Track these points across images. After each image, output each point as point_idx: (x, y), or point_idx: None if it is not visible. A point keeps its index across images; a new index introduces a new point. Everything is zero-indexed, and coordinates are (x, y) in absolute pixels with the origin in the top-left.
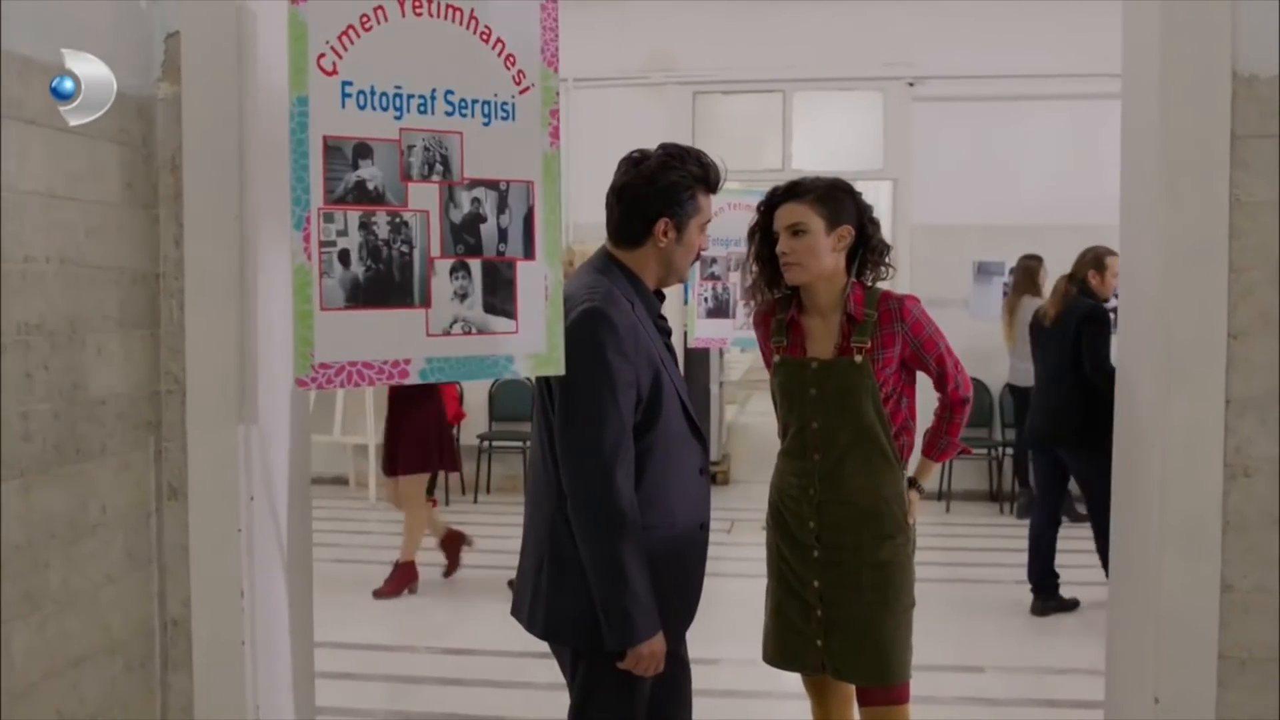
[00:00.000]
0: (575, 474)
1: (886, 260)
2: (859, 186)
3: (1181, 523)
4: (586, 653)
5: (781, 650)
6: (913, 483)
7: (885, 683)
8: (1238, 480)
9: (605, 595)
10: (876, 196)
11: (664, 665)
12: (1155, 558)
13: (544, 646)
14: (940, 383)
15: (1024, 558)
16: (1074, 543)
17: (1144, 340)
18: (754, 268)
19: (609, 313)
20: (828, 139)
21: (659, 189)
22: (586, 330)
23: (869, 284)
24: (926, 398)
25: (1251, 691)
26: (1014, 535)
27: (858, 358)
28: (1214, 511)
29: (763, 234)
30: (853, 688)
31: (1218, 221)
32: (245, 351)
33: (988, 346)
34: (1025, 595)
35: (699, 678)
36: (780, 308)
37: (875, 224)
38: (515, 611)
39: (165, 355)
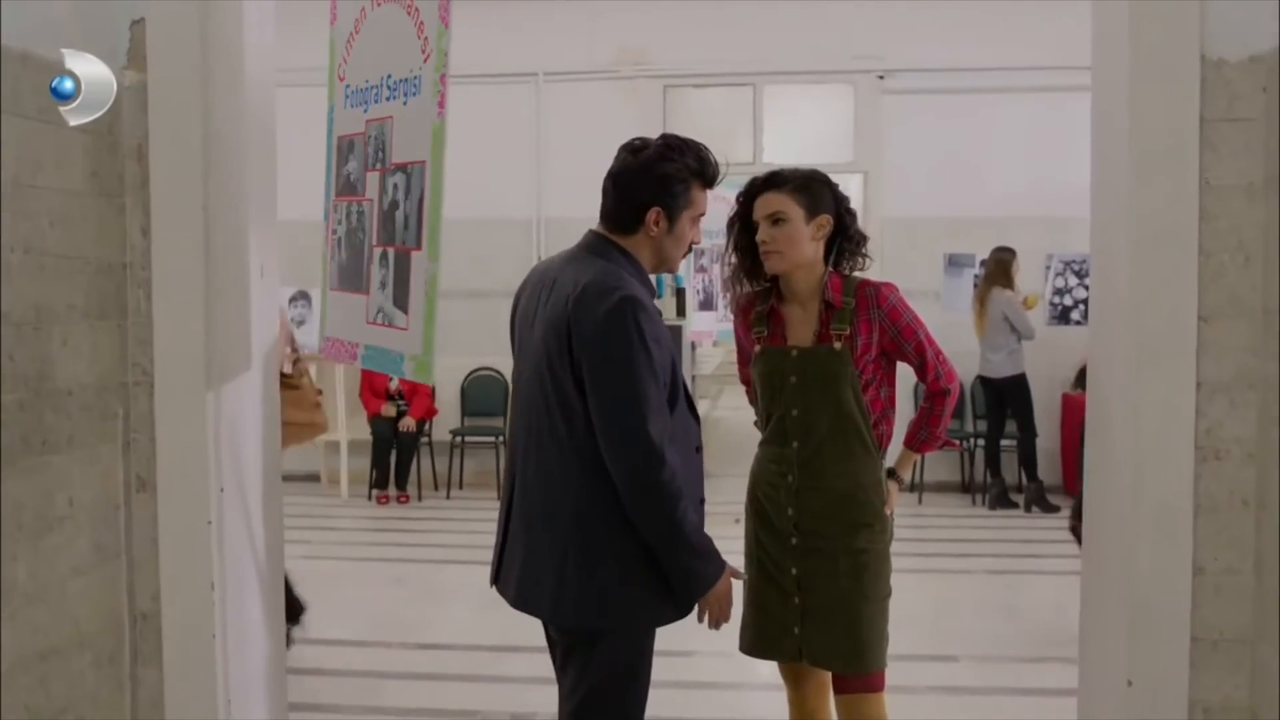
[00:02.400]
0: (629, 460)
1: (864, 251)
2: None
3: (1153, 506)
4: (609, 637)
5: (759, 639)
6: (892, 473)
7: (861, 670)
8: (1209, 463)
9: (674, 561)
10: (847, 189)
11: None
12: (1127, 541)
13: (519, 640)
14: (920, 372)
15: (994, 548)
16: (1051, 532)
17: (1115, 324)
18: (733, 258)
19: (643, 299)
20: (798, 132)
21: (652, 178)
22: (628, 317)
23: (846, 273)
24: (907, 389)
25: (1223, 672)
26: (986, 526)
27: (836, 345)
28: (1185, 494)
29: (742, 224)
30: (829, 676)
31: (1187, 205)
32: (214, 342)
33: (959, 339)
34: (997, 585)
35: (674, 670)
36: (760, 299)
37: (852, 214)
38: (524, 605)
39: (133, 346)
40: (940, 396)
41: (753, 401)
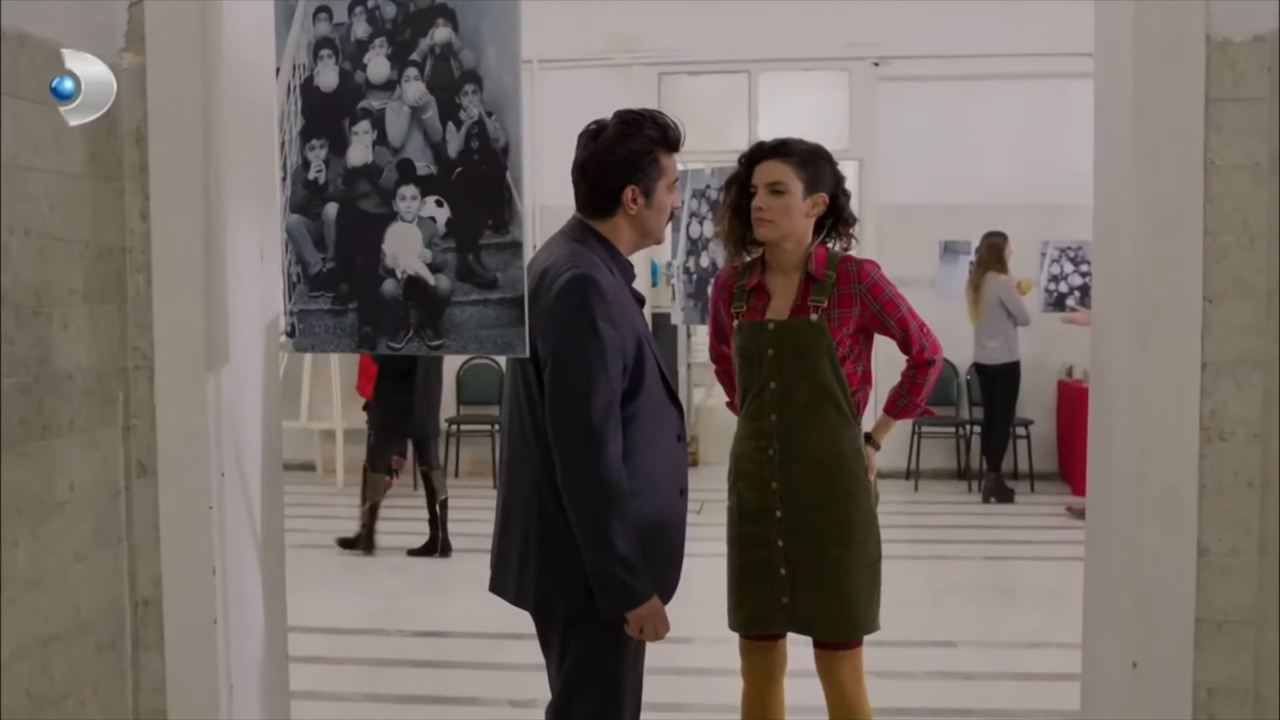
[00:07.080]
0: (565, 442)
1: (852, 232)
2: None
3: (1157, 487)
4: (579, 623)
5: (750, 615)
6: (869, 438)
7: (854, 636)
8: (1213, 444)
9: (596, 563)
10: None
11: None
12: (1132, 522)
13: (517, 627)
14: (904, 345)
15: (991, 535)
16: (1047, 518)
17: (1119, 305)
18: (726, 218)
19: (597, 278)
20: (793, 119)
21: (620, 159)
22: (576, 297)
23: (831, 249)
24: (890, 363)
25: (1228, 653)
26: (982, 512)
27: (813, 317)
28: (1190, 475)
29: (740, 186)
30: (786, 652)
31: (1192, 186)
32: (214, 327)
33: (954, 326)
34: (994, 571)
35: (672, 656)
36: (742, 274)
37: (847, 195)
38: (497, 588)
39: (132, 330)
40: (925, 367)
41: (720, 380)
